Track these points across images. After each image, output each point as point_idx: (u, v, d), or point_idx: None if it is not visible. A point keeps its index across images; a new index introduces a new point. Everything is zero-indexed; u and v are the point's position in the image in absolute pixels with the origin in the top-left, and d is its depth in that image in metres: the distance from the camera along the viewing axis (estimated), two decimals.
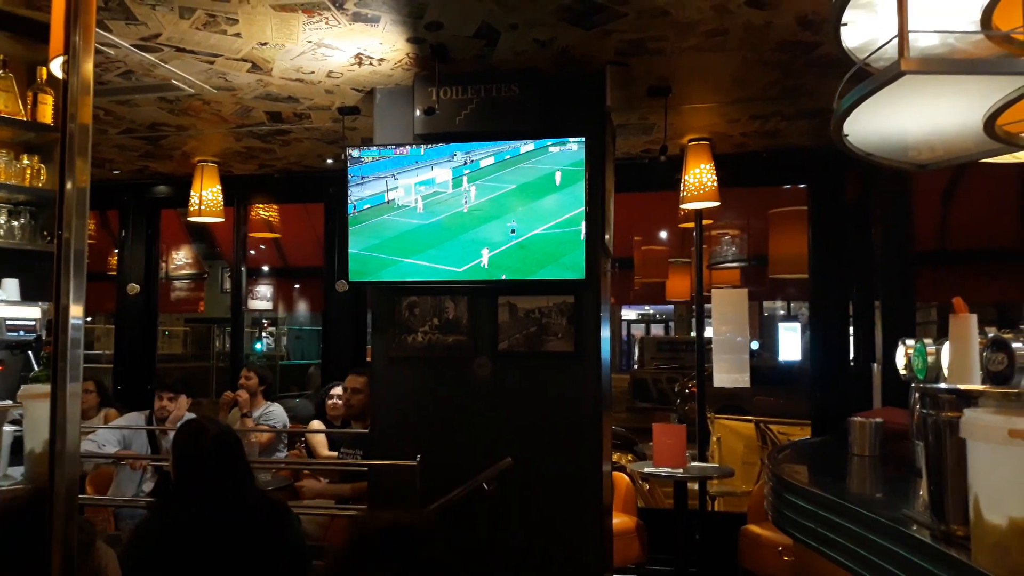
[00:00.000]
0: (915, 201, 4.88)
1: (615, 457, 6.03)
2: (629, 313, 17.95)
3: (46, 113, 3.42)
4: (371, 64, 3.69)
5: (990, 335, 1.78)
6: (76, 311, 1.27)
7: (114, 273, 6.60)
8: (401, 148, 3.79)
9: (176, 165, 5.67)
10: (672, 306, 15.57)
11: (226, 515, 2.37)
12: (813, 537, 2.00)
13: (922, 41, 1.78)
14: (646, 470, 4.58)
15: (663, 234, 9.06)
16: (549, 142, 3.65)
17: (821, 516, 1.94)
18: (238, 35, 3.36)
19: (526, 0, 3.03)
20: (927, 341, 2.16)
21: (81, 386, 1.30)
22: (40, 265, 3.44)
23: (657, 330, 18.13)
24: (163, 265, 7.80)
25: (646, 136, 4.82)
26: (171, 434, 4.41)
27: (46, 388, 1.26)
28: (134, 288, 6.27)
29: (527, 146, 3.68)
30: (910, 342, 2.30)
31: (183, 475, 2.45)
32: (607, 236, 3.96)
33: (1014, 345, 1.69)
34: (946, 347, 1.95)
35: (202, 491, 2.39)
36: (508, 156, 3.70)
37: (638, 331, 17.86)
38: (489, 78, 3.75)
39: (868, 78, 1.74)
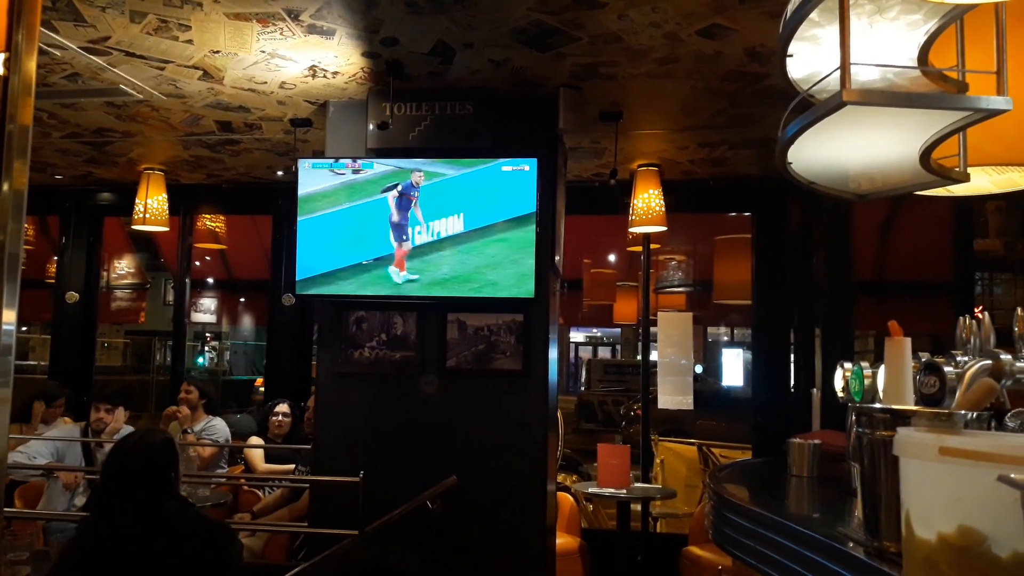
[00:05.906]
0: (855, 232, 5.03)
1: (560, 478, 6.04)
2: (577, 335, 18.07)
3: None
4: (325, 77, 3.67)
5: (923, 359, 1.84)
6: (9, 316, 1.25)
7: (52, 281, 6.41)
8: (353, 163, 3.78)
9: (121, 172, 5.55)
10: (619, 329, 15.72)
11: (157, 533, 2.29)
12: (751, 554, 2.03)
13: (863, 75, 1.85)
14: (590, 490, 4.59)
15: (611, 257, 9.16)
16: (501, 162, 3.67)
17: (759, 533, 1.97)
18: (190, 42, 3.31)
19: (482, 20, 3.06)
20: (864, 364, 2.22)
21: (11, 393, 1.27)
22: None
23: (604, 352, 18.26)
24: (104, 274, 7.59)
25: (597, 160, 4.88)
26: (107, 447, 4.29)
27: None
28: (73, 296, 6.09)
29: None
30: (848, 365, 2.35)
31: (108, 487, 2.36)
32: (557, 257, 3.99)
33: (945, 369, 1.74)
34: (882, 370, 2.00)
35: (126, 504, 2.30)
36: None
37: (585, 353, 17.97)
38: (443, 95, 3.77)
39: (811, 107, 1.80)
